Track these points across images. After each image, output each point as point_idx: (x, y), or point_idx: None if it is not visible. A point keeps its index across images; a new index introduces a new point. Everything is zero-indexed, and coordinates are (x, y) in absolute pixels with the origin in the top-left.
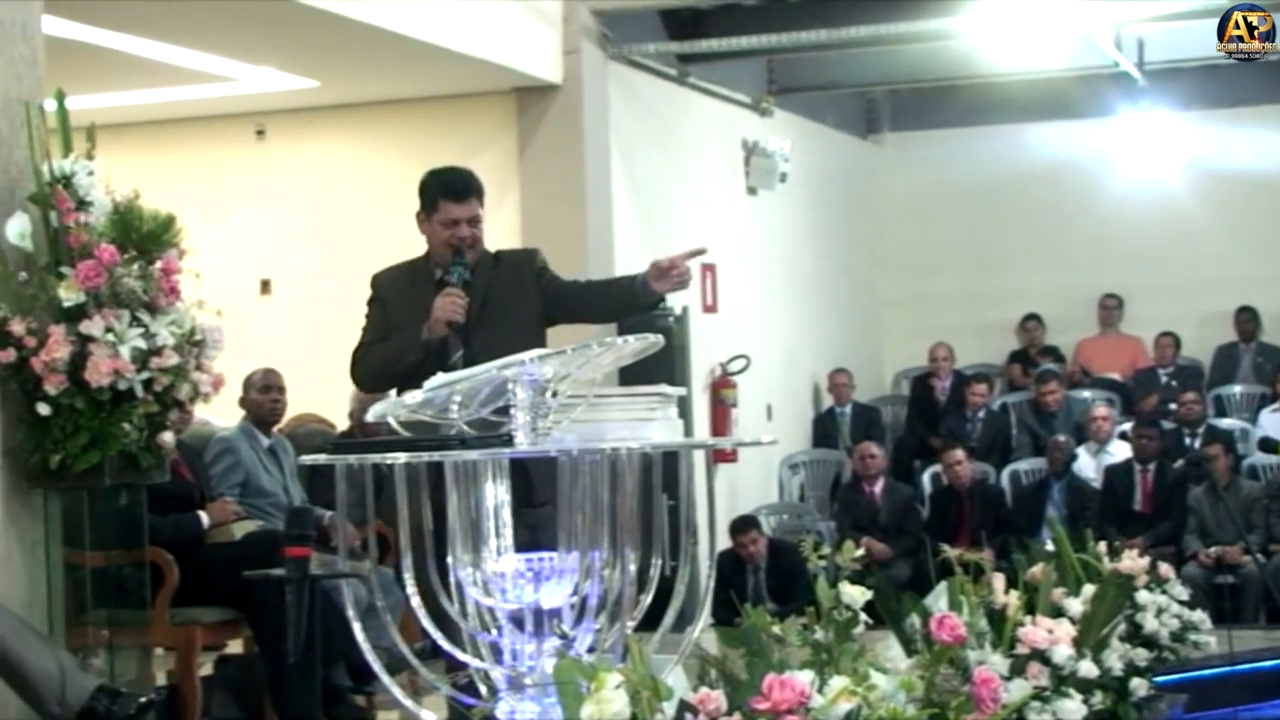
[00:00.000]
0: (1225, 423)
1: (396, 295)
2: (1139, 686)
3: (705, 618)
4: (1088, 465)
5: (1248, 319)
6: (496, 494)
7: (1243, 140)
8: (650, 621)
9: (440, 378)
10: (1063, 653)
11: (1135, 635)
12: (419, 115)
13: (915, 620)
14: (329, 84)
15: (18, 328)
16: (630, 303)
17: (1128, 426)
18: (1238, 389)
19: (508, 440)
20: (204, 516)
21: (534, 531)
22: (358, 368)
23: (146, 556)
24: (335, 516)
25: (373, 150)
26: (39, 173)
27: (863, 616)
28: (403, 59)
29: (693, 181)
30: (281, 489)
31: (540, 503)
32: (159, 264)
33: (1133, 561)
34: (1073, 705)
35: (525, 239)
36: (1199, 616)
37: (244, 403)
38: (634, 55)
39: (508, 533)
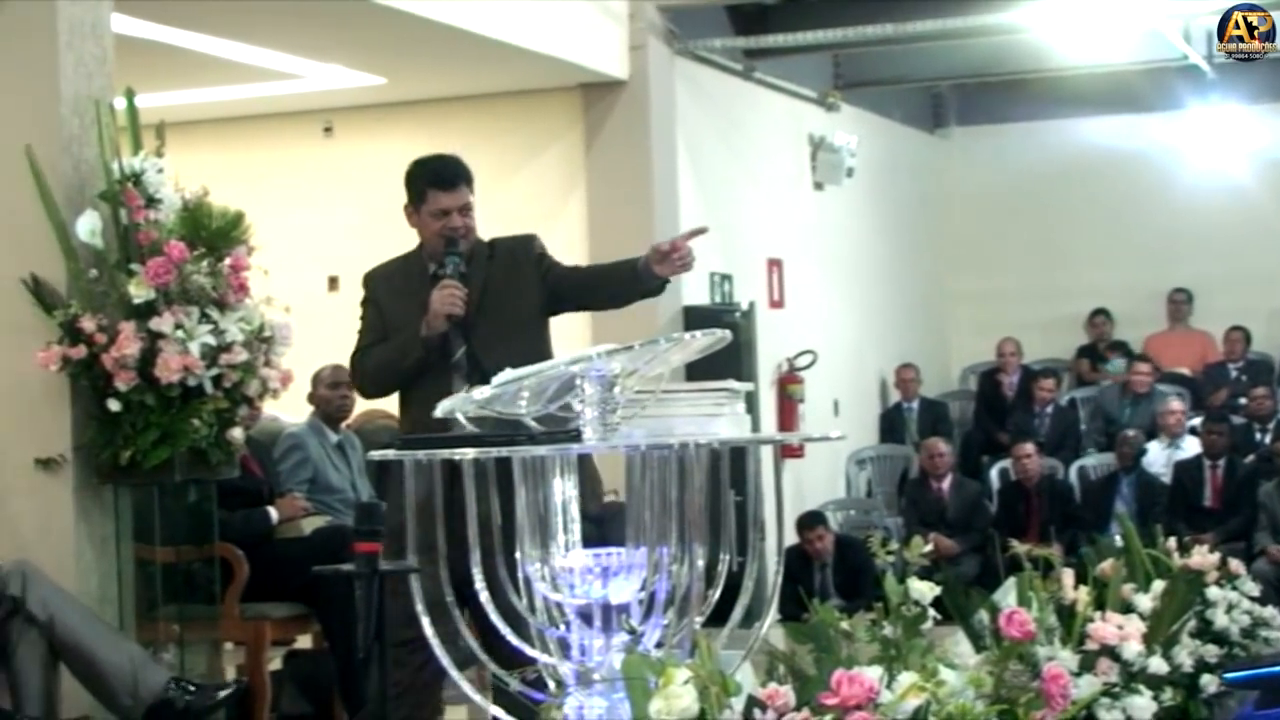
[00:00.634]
0: None
1: (391, 293)
2: (1209, 683)
3: (773, 614)
4: (1156, 460)
5: None
6: (564, 490)
7: None
8: (718, 617)
9: (509, 373)
10: (1133, 649)
11: (1205, 631)
12: (486, 111)
13: (984, 616)
14: (397, 81)
15: (88, 324)
16: (634, 288)
17: (1197, 422)
18: None
19: (576, 436)
20: (273, 512)
21: (601, 527)
22: (358, 373)
23: (216, 552)
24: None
25: (440, 146)
26: (109, 170)
27: (931, 612)
28: (470, 55)
29: (759, 177)
30: (349, 485)
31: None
32: (228, 261)
33: (1203, 557)
34: (1142, 702)
35: (591, 235)
36: (1270, 613)
37: (312, 399)
38: (700, 51)
39: (576, 528)
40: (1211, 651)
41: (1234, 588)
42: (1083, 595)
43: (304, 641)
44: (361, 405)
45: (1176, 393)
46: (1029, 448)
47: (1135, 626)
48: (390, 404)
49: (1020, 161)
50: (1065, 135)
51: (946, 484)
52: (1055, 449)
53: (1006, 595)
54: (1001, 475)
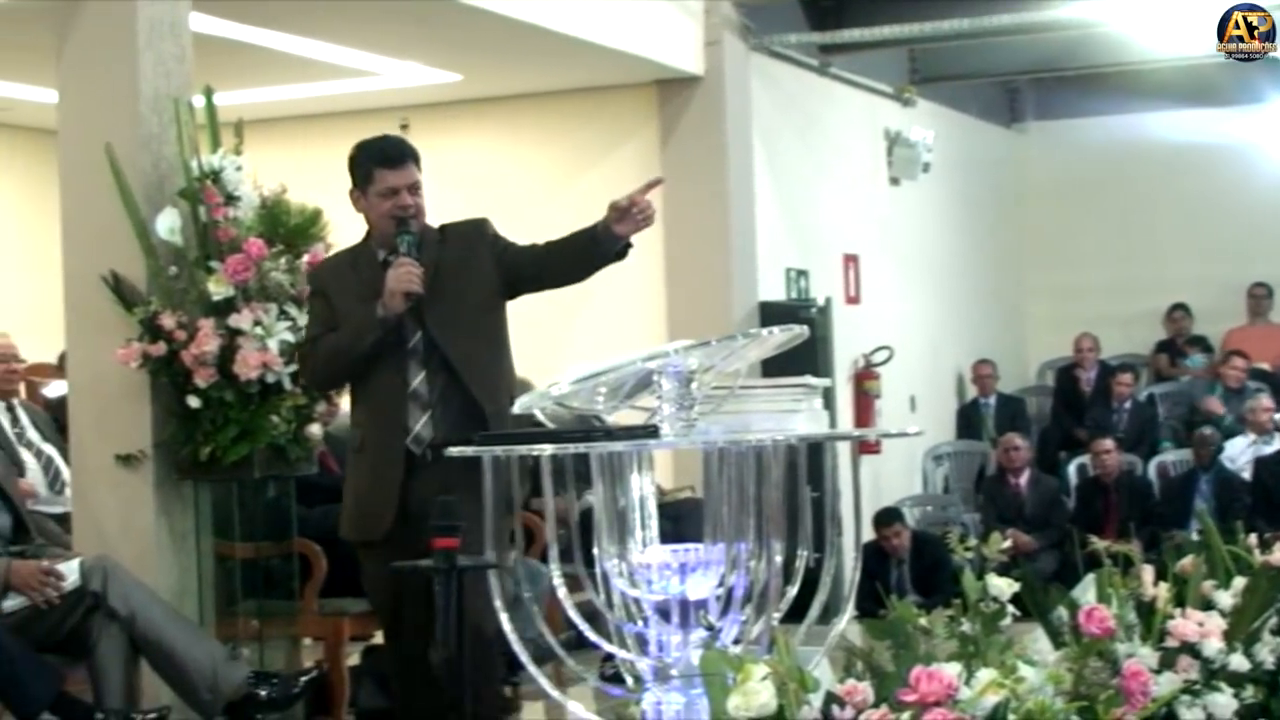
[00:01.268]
0: None
1: (340, 284)
2: None
3: (850, 610)
4: (1241, 456)
5: None
6: (642, 485)
7: None
8: (796, 613)
9: (583, 368)
10: (1213, 646)
11: None
12: (561, 108)
13: (1063, 613)
14: (472, 77)
15: (168, 321)
16: (593, 253)
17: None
18: None
19: (653, 432)
20: None
21: (677, 523)
22: (307, 364)
23: (294, 548)
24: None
25: (515, 143)
26: (188, 168)
27: (1010, 608)
28: (545, 52)
29: (834, 172)
30: None
31: None
32: (306, 257)
33: None
34: (1223, 700)
35: (667, 231)
36: None
37: None
38: (775, 46)
39: (653, 524)
40: None
41: None
42: (1162, 592)
43: (382, 637)
44: None
45: (1257, 388)
46: (1108, 443)
47: (1216, 623)
48: None
49: (1098, 155)
50: (1143, 129)
51: (1024, 480)
52: (1133, 445)
53: (1085, 592)
54: (1079, 471)
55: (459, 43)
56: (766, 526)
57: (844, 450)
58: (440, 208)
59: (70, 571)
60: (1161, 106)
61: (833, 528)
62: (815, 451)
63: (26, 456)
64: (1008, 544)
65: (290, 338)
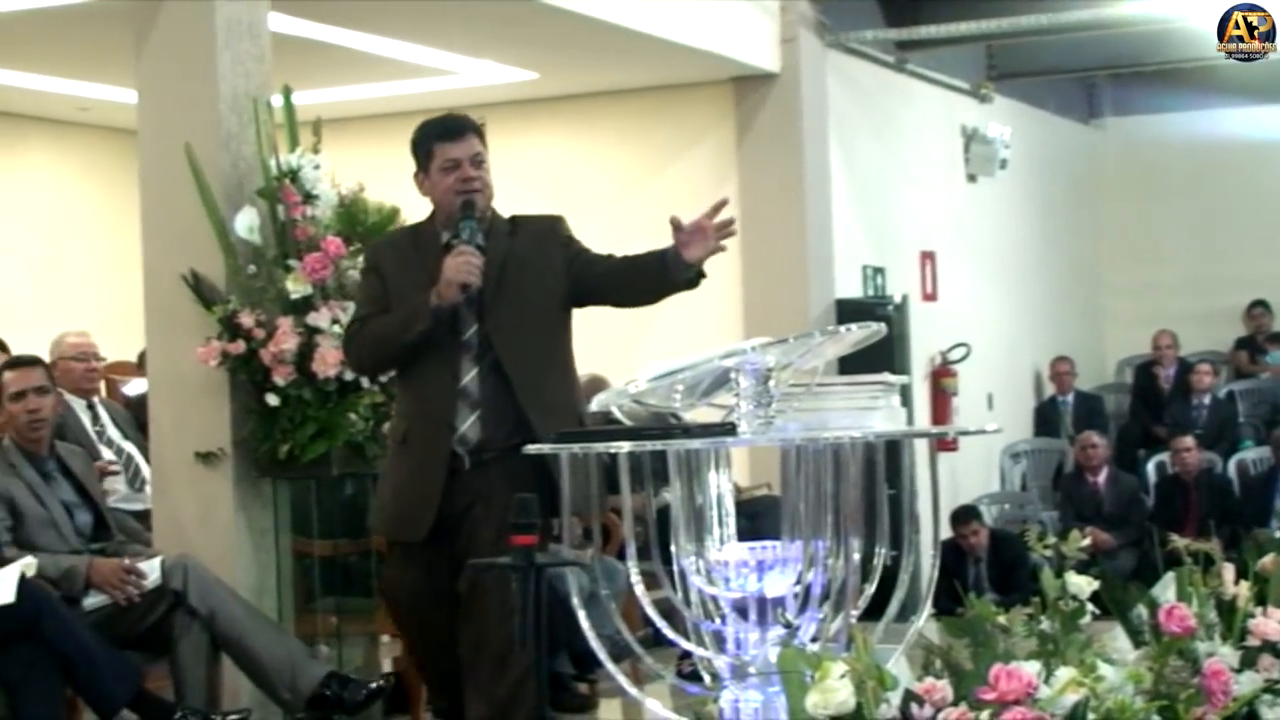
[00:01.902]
0: None
1: (398, 264)
2: None
3: (928, 608)
4: None
5: None
6: (719, 483)
7: None
8: (873, 611)
9: (660, 365)
10: None
11: None
12: (637, 106)
13: (1143, 611)
14: (548, 76)
15: (247, 320)
16: (663, 278)
17: None
18: None
19: (731, 429)
20: None
21: (754, 520)
22: (353, 344)
23: (372, 545)
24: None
25: (592, 141)
26: (266, 167)
27: (1089, 607)
28: (621, 50)
29: (911, 169)
30: None
31: None
32: None
33: None
34: None
35: (743, 229)
36: None
37: None
38: (852, 43)
39: (731, 521)
40: None
41: None
42: (1243, 590)
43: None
44: None
45: None
46: (1188, 441)
47: None
48: None
49: (1176, 151)
50: (1222, 125)
51: (1102, 478)
52: (1213, 442)
53: (1165, 590)
54: (1158, 469)
55: (535, 41)
56: (844, 524)
57: (921, 448)
58: (516, 207)
59: (151, 570)
60: (1240, 102)
61: (910, 525)
62: (893, 449)
63: (107, 454)
64: (1087, 542)
65: None
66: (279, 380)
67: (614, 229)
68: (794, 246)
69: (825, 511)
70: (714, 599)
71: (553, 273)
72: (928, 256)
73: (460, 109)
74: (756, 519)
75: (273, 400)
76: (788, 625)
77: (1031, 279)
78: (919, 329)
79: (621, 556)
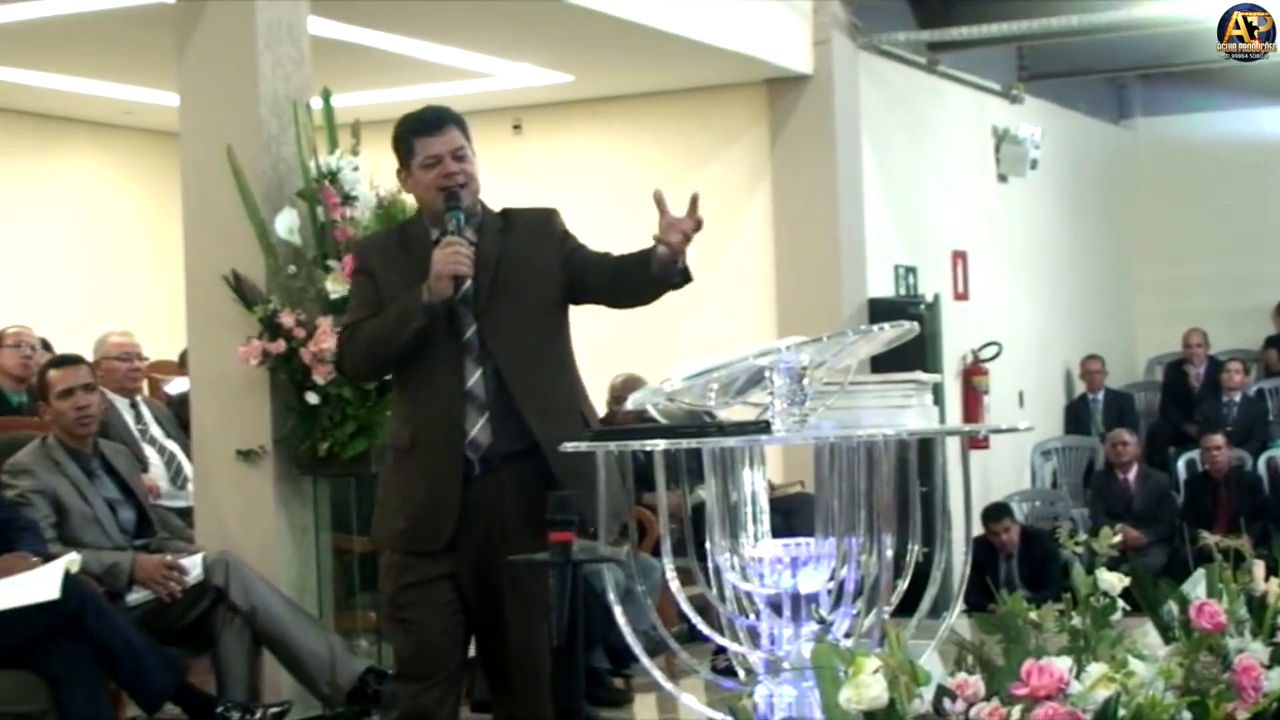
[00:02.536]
0: None
1: (387, 264)
2: None
3: (960, 604)
4: None
5: None
6: (754, 480)
7: None
8: (906, 607)
9: (695, 364)
10: None
11: None
12: (672, 107)
13: (1173, 607)
14: (584, 78)
15: (287, 319)
16: (648, 277)
17: None
18: None
19: (765, 427)
20: None
21: (788, 518)
22: (347, 348)
23: None
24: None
25: (627, 142)
26: (306, 169)
27: (1120, 603)
28: (656, 52)
29: (943, 170)
30: None
31: None
32: None
33: None
34: None
35: (777, 228)
36: None
37: None
38: (884, 44)
39: (765, 518)
40: None
41: None
42: (1274, 587)
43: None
44: None
45: None
46: (1219, 439)
47: None
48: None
49: (1205, 151)
50: (1251, 124)
51: (1132, 475)
52: (1243, 440)
53: (1196, 587)
54: (1189, 466)
55: (571, 44)
56: (877, 521)
57: (953, 446)
58: (553, 206)
59: (193, 566)
60: (1269, 102)
61: (943, 522)
62: (925, 447)
63: (150, 452)
64: (1118, 539)
65: None
66: (319, 379)
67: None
68: (827, 246)
69: (858, 508)
70: (748, 595)
71: (549, 271)
72: (959, 256)
73: (497, 111)
74: (790, 516)
75: (313, 399)
76: (821, 621)
77: (1062, 278)
78: (951, 328)
79: (657, 553)
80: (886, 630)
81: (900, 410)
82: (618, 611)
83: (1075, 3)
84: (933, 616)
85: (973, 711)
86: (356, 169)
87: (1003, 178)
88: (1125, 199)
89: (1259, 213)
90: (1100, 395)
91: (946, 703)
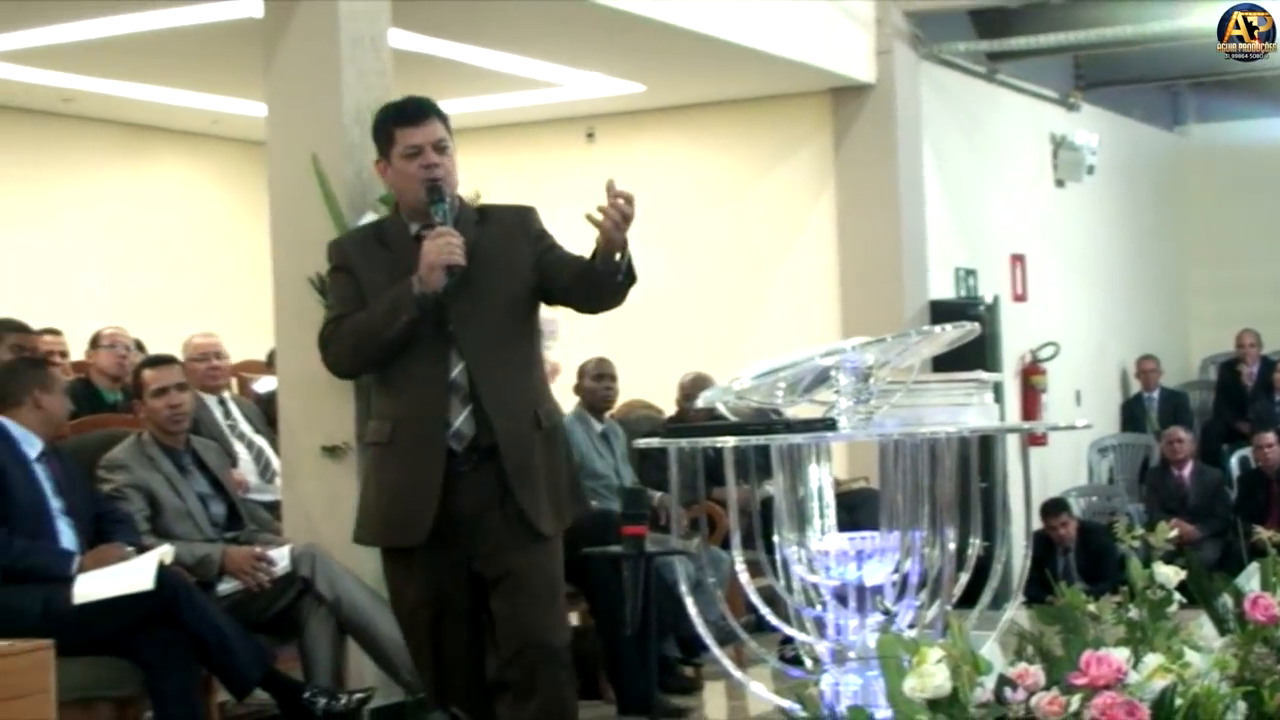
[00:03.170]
0: None
1: (367, 260)
2: None
3: (1019, 596)
4: None
5: None
6: (820, 476)
7: None
8: (967, 600)
9: (763, 364)
10: None
11: None
12: (739, 116)
13: (1228, 600)
14: (655, 87)
15: None
16: (593, 275)
17: None
18: None
19: (831, 425)
20: None
21: (853, 512)
22: (331, 344)
23: None
24: (666, 497)
25: (696, 150)
26: None
27: (1176, 596)
28: (724, 62)
29: (1002, 176)
30: (613, 471)
31: None
32: None
33: None
34: None
35: (840, 236)
36: None
37: (578, 390)
38: (945, 54)
39: (831, 513)
40: None
41: None
42: None
43: (571, 619)
44: (623, 396)
45: None
46: (1270, 437)
47: None
48: (650, 394)
49: (1259, 157)
50: None
51: (1187, 471)
52: None
53: (1250, 580)
54: (1241, 463)
55: (642, 54)
56: (940, 516)
57: (1013, 443)
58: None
59: (281, 558)
60: None
61: (1003, 517)
62: (986, 444)
63: (239, 448)
64: (1173, 533)
65: None
66: None
67: (719, 234)
68: (889, 250)
69: (922, 503)
70: (815, 587)
71: (520, 267)
72: (1018, 259)
73: (570, 120)
74: (855, 511)
75: None
76: (886, 612)
77: (1118, 280)
78: (1010, 329)
79: (727, 546)
80: (949, 621)
81: (962, 408)
82: (689, 602)
83: (1130, 13)
84: (994, 608)
85: (1033, 700)
86: None
87: (1060, 183)
88: (1179, 203)
89: None
90: (1155, 394)
91: (1007, 692)
